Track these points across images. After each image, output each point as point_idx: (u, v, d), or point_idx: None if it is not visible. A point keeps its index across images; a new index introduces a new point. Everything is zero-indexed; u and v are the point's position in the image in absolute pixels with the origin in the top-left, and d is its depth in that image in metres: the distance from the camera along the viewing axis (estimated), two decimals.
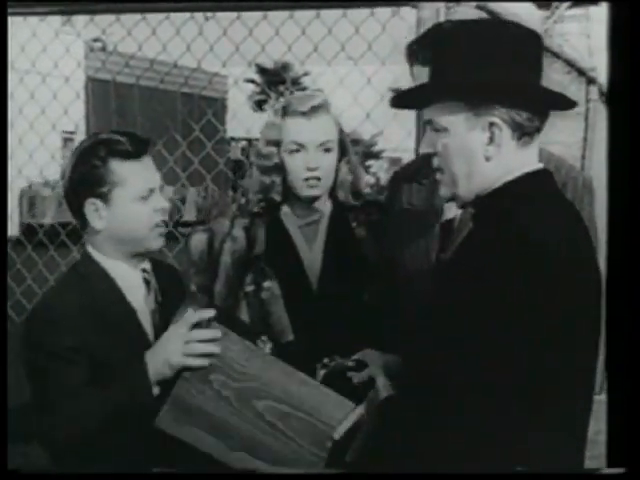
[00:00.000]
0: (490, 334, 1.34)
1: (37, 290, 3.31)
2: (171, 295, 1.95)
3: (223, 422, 1.68)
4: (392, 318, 2.07)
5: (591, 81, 2.74)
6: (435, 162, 1.53)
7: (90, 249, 1.90)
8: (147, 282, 1.93)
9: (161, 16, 3.23)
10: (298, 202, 2.19)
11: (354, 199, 2.22)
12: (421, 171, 2.13)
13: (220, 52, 3.36)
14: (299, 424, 1.68)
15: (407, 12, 2.84)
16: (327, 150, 2.14)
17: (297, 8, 3.02)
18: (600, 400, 1.56)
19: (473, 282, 1.38)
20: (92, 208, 1.85)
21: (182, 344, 1.70)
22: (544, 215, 1.42)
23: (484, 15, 2.68)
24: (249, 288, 2.15)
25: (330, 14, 3.08)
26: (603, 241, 1.75)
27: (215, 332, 1.71)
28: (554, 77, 2.69)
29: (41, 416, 1.77)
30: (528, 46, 1.47)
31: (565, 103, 1.52)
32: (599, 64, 2.72)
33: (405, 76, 2.19)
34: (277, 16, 3.13)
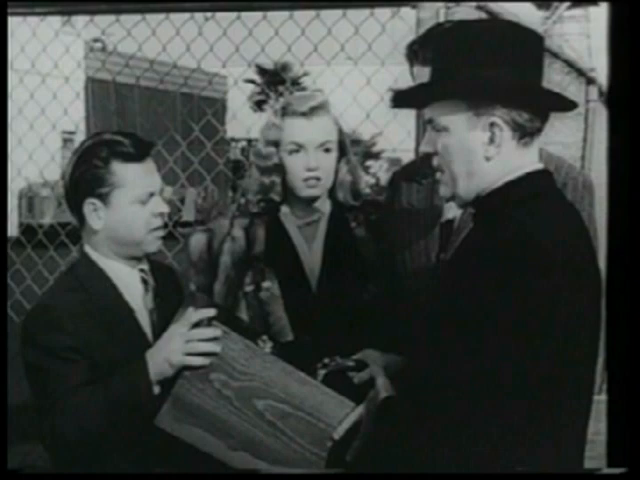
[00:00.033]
0: (490, 334, 1.34)
1: (37, 290, 3.31)
2: (169, 295, 1.96)
3: (223, 421, 1.68)
4: (392, 318, 2.07)
5: (590, 81, 2.75)
6: (435, 161, 1.53)
7: (88, 249, 1.91)
8: (145, 282, 1.93)
9: (161, 16, 3.23)
10: (298, 202, 2.19)
11: (353, 199, 2.22)
12: (421, 171, 2.13)
13: (220, 52, 3.36)
14: (299, 424, 1.68)
15: (407, 12, 2.84)
16: (327, 150, 2.14)
17: (297, 8, 3.02)
18: (600, 400, 1.56)
19: (473, 282, 1.38)
20: (91, 208, 1.85)
21: (183, 343, 1.70)
22: (544, 215, 1.42)
23: (484, 16, 2.68)
24: (248, 288, 2.15)
25: (330, 14, 3.08)
26: (603, 241, 1.75)
27: (215, 331, 1.71)
28: (554, 77, 2.69)
29: (41, 415, 1.77)
30: (529, 47, 1.47)
31: (565, 104, 1.53)
32: (598, 65, 2.72)
33: (405, 76, 2.19)
34: (277, 16, 3.13)
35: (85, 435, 1.73)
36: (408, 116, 2.87)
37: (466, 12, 2.69)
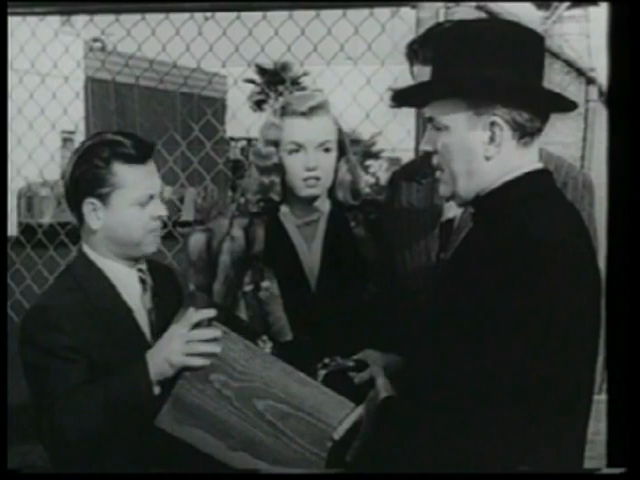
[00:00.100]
0: (490, 333, 1.34)
1: (36, 290, 3.31)
2: (167, 294, 1.96)
3: (223, 422, 1.68)
4: (391, 318, 2.07)
5: (590, 81, 2.75)
6: (435, 160, 1.53)
7: (86, 248, 1.91)
8: (143, 281, 1.93)
9: (160, 16, 3.23)
10: (297, 202, 2.19)
11: (353, 199, 2.22)
12: (421, 171, 2.13)
13: (220, 52, 3.36)
14: (299, 424, 1.68)
15: (407, 12, 2.84)
16: (326, 150, 2.14)
17: (296, 8, 3.02)
18: (600, 400, 1.56)
19: (473, 282, 1.38)
20: (90, 208, 1.85)
21: (183, 344, 1.70)
22: (543, 215, 1.42)
23: (484, 16, 2.68)
24: (248, 288, 2.15)
25: (330, 14, 3.08)
26: (603, 241, 1.75)
27: (215, 332, 1.71)
28: (554, 77, 2.69)
29: (41, 415, 1.77)
30: (530, 47, 1.47)
31: (566, 105, 1.52)
32: (598, 64, 2.72)
33: (404, 76, 2.19)
34: (276, 16, 3.13)
35: (85, 435, 1.73)
36: (408, 116, 2.87)
37: (466, 12, 2.69)
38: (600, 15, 2.12)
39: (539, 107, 1.47)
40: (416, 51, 2.04)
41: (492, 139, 1.45)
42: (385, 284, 2.15)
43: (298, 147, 2.12)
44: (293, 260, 2.17)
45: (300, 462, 1.67)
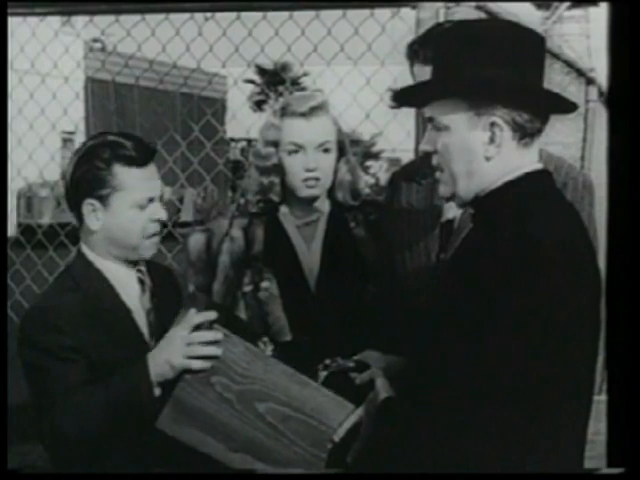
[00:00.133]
0: (489, 334, 1.34)
1: (36, 290, 3.31)
2: (166, 295, 1.96)
3: (224, 424, 1.68)
4: (391, 318, 2.07)
5: (590, 82, 2.75)
6: (435, 160, 1.53)
7: (85, 249, 1.91)
8: (142, 282, 1.93)
9: (160, 16, 3.23)
10: (297, 202, 2.19)
11: (353, 199, 2.22)
12: (420, 171, 2.13)
13: (219, 52, 3.36)
14: (300, 426, 1.68)
15: (406, 13, 2.84)
16: (326, 151, 2.14)
17: (296, 8, 3.02)
18: (600, 400, 1.56)
19: (473, 283, 1.38)
20: (90, 209, 1.85)
21: (183, 346, 1.70)
22: (543, 215, 1.42)
23: (483, 16, 2.68)
24: (247, 288, 2.15)
25: (330, 14, 3.08)
26: (603, 241, 1.75)
27: (216, 334, 1.71)
28: (554, 78, 2.69)
29: (41, 415, 1.77)
30: (530, 47, 1.47)
31: (566, 106, 1.52)
32: (598, 65, 2.72)
33: (404, 76, 2.19)
34: (276, 16, 3.13)
35: (85, 435, 1.73)
36: (408, 116, 2.87)
37: (466, 12, 2.69)
38: (600, 15, 2.12)
39: (539, 108, 1.47)
40: (416, 51, 2.04)
41: (492, 139, 1.45)
42: (385, 285, 2.15)
43: (298, 148, 2.12)
44: (292, 260, 2.17)
45: (301, 464, 1.67)
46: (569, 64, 2.74)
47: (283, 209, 2.22)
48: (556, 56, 2.73)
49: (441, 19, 2.66)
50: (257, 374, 1.70)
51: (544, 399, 1.36)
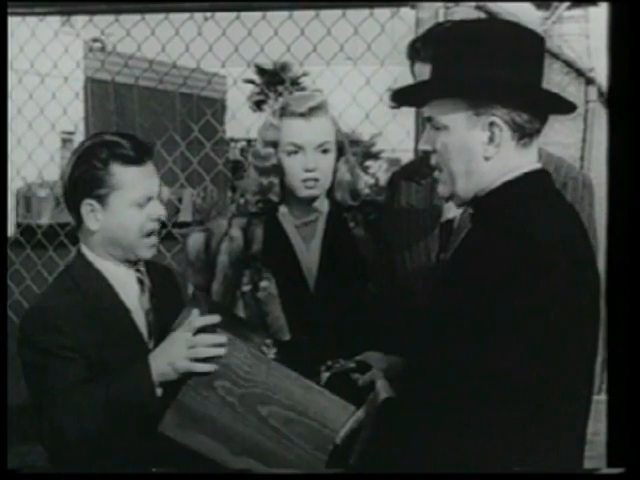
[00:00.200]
0: (489, 334, 1.34)
1: (36, 290, 3.31)
2: (165, 295, 1.95)
3: (227, 427, 1.68)
4: (390, 318, 2.07)
5: (590, 82, 2.74)
6: (433, 160, 1.53)
7: (84, 249, 1.91)
8: (141, 282, 1.93)
9: (160, 16, 3.23)
10: (296, 202, 2.19)
11: (352, 199, 2.22)
12: (420, 171, 2.13)
13: (219, 52, 3.36)
14: (303, 429, 1.68)
15: (406, 13, 2.84)
16: (325, 151, 2.14)
17: (296, 8, 3.02)
18: (600, 400, 1.56)
19: (472, 283, 1.38)
20: (88, 209, 1.85)
21: (186, 348, 1.70)
22: (542, 215, 1.42)
23: (483, 16, 2.68)
24: (246, 288, 2.15)
25: (329, 14, 3.08)
26: (603, 241, 1.75)
27: (219, 337, 1.70)
28: (553, 78, 2.69)
29: (40, 414, 1.77)
30: (530, 47, 1.47)
31: (565, 106, 1.52)
32: (598, 65, 2.72)
33: (404, 76, 2.19)
34: (276, 16, 3.13)
35: (85, 434, 1.72)
36: (407, 116, 2.87)
37: (465, 12, 2.69)
38: (600, 15, 2.12)
39: (538, 108, 1.47)
40: (418, 50, 2.04)
41: (491, 139, 1.45)
42: (384, 285, 2.15)
43: (297, 148, 2.12)
44: (291, 260, 2.17)
45: (304, 467, 1.67)
46: (568, 64, 2.74)
47: (282, 209, 2.22)
48: (555, 56, 2.73)
49: (440, 19, 2.66)
50: (260, 378, 1.70)
51: (544, 399, 1.36)
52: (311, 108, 2.12)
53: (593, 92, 2.75)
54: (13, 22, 2.87)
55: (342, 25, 3.11)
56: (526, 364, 1.34)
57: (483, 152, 1.46)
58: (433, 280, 1.95)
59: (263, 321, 2.12)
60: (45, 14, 3.23)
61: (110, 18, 3.31)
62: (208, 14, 3.26)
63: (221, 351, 1.69)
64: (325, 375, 1.80)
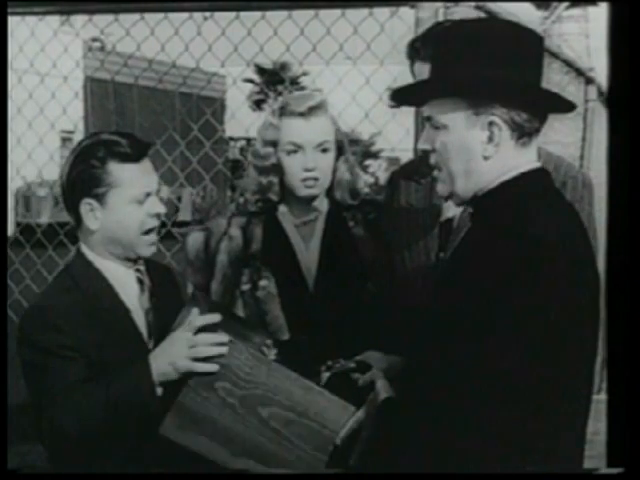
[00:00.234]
0: (488, 333, 1.34)
1: (36, 290, 3.31)
2: (165, 295, 1.95)
3: (228, 429, 1.68)
4: (390, 318, 2.07)
5: (589, 81, 2.74)
6: (433, 159, 1.53)
7: (84, 249, 1.91)
8: (140, 281, 1.93)
9: (160, 16, 3.23)
10: (295, 202, 2.19)
11: (352, 198, 2.22)
12: (420, 170, 2.13)
13: (219, 52, 3.36)
14: (304, 430, 1.68)
15: (406, 12, 2.84)
16: (324, 150, 2.14)
17: (296, 8, 3.02)
18: (600, 400, 1.56)
19: (472, 282, 1.38)
20: (87, 208, 1.85)
21: (187, 348, 1.70)
22: (542, 214, 1.42)
23: (483, 15, 2.68)
24: (245, 287, 2.15)
25: (329, 14, 3.08)
26: (603, 241, 1.75)
27: (220, 337, 1.70)
28: (553, 77, 2.69)
29: (40, 413, 1.77)
30: (529, 47, 1.47)
31: (564, 106, 1.52)
32: (598, 64, 2.72)
33: (404, 76, 2.19)
34: (276, 16, 3.13)
35: (85, 434, 1.72)
36: (407, 115, 2.87)
37: (465, 12, 2.69)
38: (599, 15, 2.12)
39: (538, 107, 1.47)
40: (417, 49, 2.04)
41: (490, 139, 1.45)
42: (384, 284, 2.15)
43: (296, 148, 2.12)
44: (291, 259, 2.17)
45: (304, 468, 1.68)
46: (568, 63, 2.74)
47: (282, 208, 2.22)
48: (555, 55, 2.73)
49: (440, 18, 2.66)
50: (260, 379, 1.70)
51: (544, 399, 1.36)
52: (311, 107, 2.12)
53: (593, 91, 2.75)
54: (13, 22, 2.87)
55: (341, 25, 3.11)
56: (526, 364, 1.34)
57: (482, 151, 1.46)
58: (433, 279, 1.95)
59: (262, 320, 2.12)
60: (44, 14, 3.23)
61: (109, 17, 3.31)
62: (207, 14, 3.26)
63: (222, 350, 1.69)
64: (325, 375, 1.80)
